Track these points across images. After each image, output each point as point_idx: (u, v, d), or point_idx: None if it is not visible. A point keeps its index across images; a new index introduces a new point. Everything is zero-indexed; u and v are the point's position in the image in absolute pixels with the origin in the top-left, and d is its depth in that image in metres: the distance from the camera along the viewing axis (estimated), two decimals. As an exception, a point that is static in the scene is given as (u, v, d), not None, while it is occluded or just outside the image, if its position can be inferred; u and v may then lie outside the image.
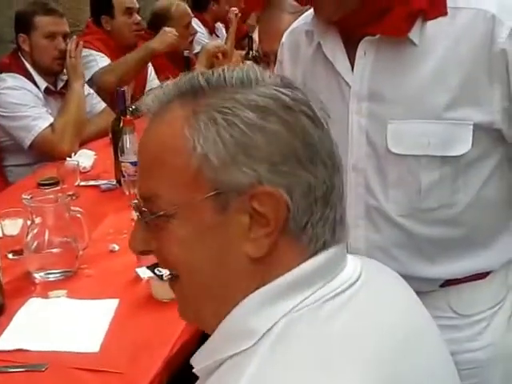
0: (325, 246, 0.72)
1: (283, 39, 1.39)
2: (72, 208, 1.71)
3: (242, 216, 0.69)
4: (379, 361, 0.68)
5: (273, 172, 0.68)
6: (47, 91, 2.81)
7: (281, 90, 0.71)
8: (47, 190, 2.16)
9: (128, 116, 2.22)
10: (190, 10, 3.85)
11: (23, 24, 2.76)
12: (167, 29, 3.24)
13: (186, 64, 3.08)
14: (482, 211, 1.22)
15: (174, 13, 3.68)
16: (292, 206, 0.69)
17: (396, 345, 0.72)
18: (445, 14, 1.15)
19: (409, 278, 1.23)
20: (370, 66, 1.19)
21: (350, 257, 0.78)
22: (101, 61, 3.21)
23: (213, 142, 0.68)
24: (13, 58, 2.82)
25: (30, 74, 2.76)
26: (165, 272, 1.50)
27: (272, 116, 0.69)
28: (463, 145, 1.15)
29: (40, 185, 2.28)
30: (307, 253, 0.72)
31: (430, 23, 1.16)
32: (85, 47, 3.05)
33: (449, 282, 1.26)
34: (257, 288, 0.71)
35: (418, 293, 1.27)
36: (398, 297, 0.83)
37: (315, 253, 0.72)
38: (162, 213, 0.71)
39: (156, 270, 1.51)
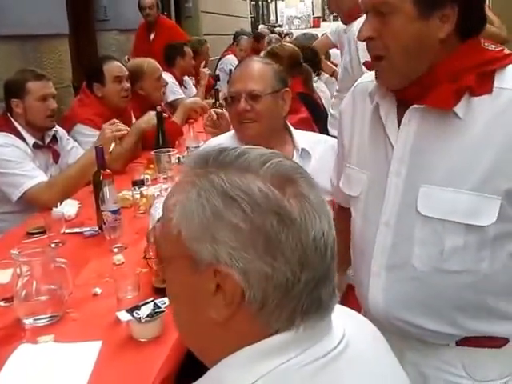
0: (291, 325, 0.72)
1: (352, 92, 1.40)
2: (57, 259, 1.71)
3: (209, 282, 0.72)
4: None
5: (231, 255, 0.70)
6: (35, 146, 2.81)
7: (259, 185, 0.70)
8: (35, 239, 2.18)
9: (107, 170, 2.23)
10: (159, 66, 3.92)
11: (15, 90, 2.80)
12: (151, 112, 3.25)
13: (159, 118, 3.12)
14: (507, 282, 1.20)
15: (147, 69, 3.75)
16: (247, 289, 0.70)
17: None
18: (490, 92, 1.15)
19: (424, 330, 1.24)
20: (413, 133, 1.20)
21: (334, 320, 0.77)
22: None
23: (187, 214, 0.72)
24: (2, 119, 2.85)
25: (19, 132, 2.78)
26: (142, 314, 1.52)
27: (238, 211, 0.70)
28: (488, 217, 1.15)
29: (29, 234, 2.29)
30: (268, 329, 0.72)
31: (475, 100, 1.15)
32: (88, 125, 3.15)
33: (465, 342, 1.24)
34: (236, 348, 0.72)
35: (434, 344, 1.26)
36: (378, 363, 0.82)
37: (277, 331, 0.72)
38: (161, 259, 0.78)
39: (134, 313, 1.52)
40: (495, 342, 1.24)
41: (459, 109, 1.16)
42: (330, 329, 0.75)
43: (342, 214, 1.47)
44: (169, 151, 2.89)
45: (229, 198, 0.70)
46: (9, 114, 2.82)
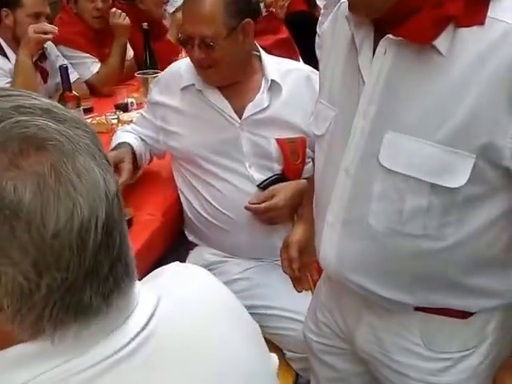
0: (40, 335, 0.54)
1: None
2: None
3: None
4: None
5: None
6: None
7: None
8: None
9: (73, 92, 2.06)
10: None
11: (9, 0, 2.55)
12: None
13: (145, 36, 2.88)
14: (472, 254, 1.01)
15: None
16: None
17: None
18: (481, 23, 0.90)
19: (378, 297, 1.08)
20: (387, 69, 0.98)
21: (141, 299, 0.60)
22: (92, 65, 2.91)
23: None
24: None
25: (1, 48, 2.58)
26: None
27: None
28: (458, 177, 0.94)
29: None
30: (18, 337, 0.54)
31: (462, 31, 0.91)
32: (69, 46, 2.84)
33: (425, 309, 1.07)
34: None
35: (389, 311, 1.10)
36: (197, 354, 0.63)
37: (30, 338, 0.54)
38: None
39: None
40: (458, 314, 1.07)
41: (441, 43, 0.92)
42: (113, 328, 0.57)
43: None
44: (156, 73, 2.67)
45: None
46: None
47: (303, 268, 1.38)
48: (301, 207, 1.52)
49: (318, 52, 3.02)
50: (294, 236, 1.40)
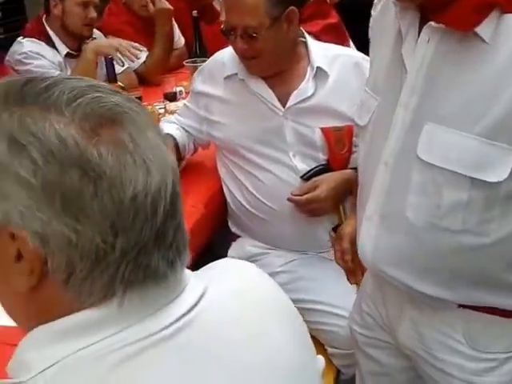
0: (109, 299, 0.57)
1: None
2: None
3: (9, 246, 0.55)
4: None
5: (23, 216, 0.54)
6: (69, 56, 2.64)
7: (59, 129, 0.53)
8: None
9: (118, 83, 2.06)
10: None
11: None
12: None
13: (195, 24, 2.85)
14: None
15: None
16: (48, 256, 0.54)
17: None
18: None
19: (417, 292, 1.04)
20: (430, 58, 0.95)
21: (190, 283, 0.62)
22: (140, 54, 2.79)
23: None
24: (36, 24, 2.67)
25: (51, 40, 2.62)
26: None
27: (27, 160, 0.53)
28: (498, 171, 0.90)
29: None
30: (80, 304, 0.57)
31: (508, 18, 0.87)
32: (119, 37, 2.77)
33: (469, 306, 1.03)
34: (38, 323, 0.58)
35: (432, 306, 1.06)
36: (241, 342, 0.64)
37: (91, 305, 0.57)
38: None
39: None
40: (504, 313, 1.02)
41: (484, 30, 0.87)
42: (165, 303, 0.60)
43: None
44: (204, 61, 2.65)
45: (17, 144, 0.53)
46: (44, 19, 2.65)
47: (356, 260, 1.33)
48: (354, 197, 1.48)
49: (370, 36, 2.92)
50: (347, 227, 1.40)
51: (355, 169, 1.66)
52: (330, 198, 1.64)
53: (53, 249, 0.54)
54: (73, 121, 0.54)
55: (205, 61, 2.63)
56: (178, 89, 2.62)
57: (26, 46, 2.53)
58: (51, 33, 2.61)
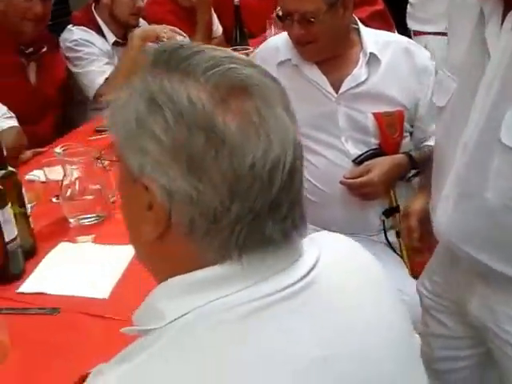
0: (227, 259, 0.60)
1: None
2: (104, 158, 1.64)
3: (142, 196, 0.61)
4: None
5: (155, 170, 0.59)
6: (116, 44, 2.71)
7: (192, 94, 0.57)
8: (102, 136, 2.14)
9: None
10: None
11: None
12: None
13: (236, 12, 2.89)
14: None
15: None
16: (172, 210, 0.59)
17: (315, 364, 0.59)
18: None
19: (491, 270, 1.07)
20: None
21: (310, 248, 0.65)
22: None
23: (117, 117, 0.62)
24: (85, 13, 2.72)
25: (100, 28, 2.67)
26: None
27: (161, 120, 0.57)
28: None
29: (97, 131, 2.25)
30: (202, 259, 0.61)
31: None
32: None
33: None
34: (165, 275, 0.63)
35: (504, 284, 1.08)
36: (353, 306, 0.67)
37: (212, 262, 0.61)
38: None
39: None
40: None
41: None
42: (285, 267, 0.62)
43: None
44: (246, 49, 2.69)
45: (154, 104, 0.59)
46: (93, 7, 2.71)
47: (422, 238, 1.36)
48: (423, 177, 1.50)
49: (409, 21, 2.93)
50: (415, 205, 1.41)
51: (406, 153, 1.70)
52: (383, 182, 1.67)
53: (176, 204, 0.59)
54: (205, 88, 0.57)
55: (246, 48, 2.70)
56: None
57: (76, 33, 2.59)
58: (100, 21, 2.67)
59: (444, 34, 2.62)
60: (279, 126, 0.59)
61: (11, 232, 1.32)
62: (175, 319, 0.60)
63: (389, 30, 2.16)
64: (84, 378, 0.86)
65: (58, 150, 1.62)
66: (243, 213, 0.58)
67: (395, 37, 1.86)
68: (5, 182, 1.33)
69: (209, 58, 0.60)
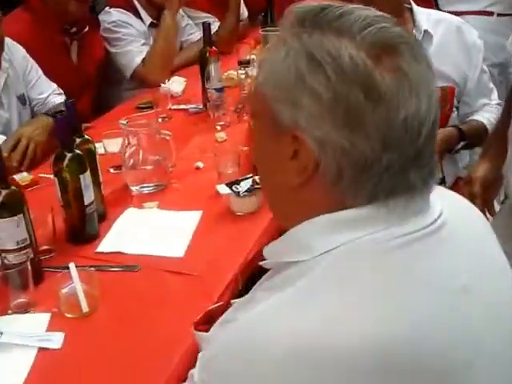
0: (372, 203, 0.65)
1: None
2: (162, 131, 1.71)
3: (287, 147, 0.67)
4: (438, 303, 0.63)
5: (309, 123, 0.64)
6: (151, 25, 2.76)
7: (351, 52, 0.61)
8: (143, 113, 2.21)
9: (213, 48, 2.17)
10: None
11: None
12: None
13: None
14: None
15: None
16: (322, 160, 0.64)
17: (455, 293, 0.65)
18: None
19: None
20: None
21: (433, 197, 0.70)
22: (213, 24, 2.88)
23: (273, 73, 0.67)
24: None
25: (137, 10, 2.73)
26: (241, 189, 1.51)
27: (322, 76, 0.62)
28: None
29: (137, 108, 2.32)
30: (345, 204, 0.66)
31: None
32: (193, 8, 2.94)
33: None
34: (300, 218, 0.69)
35: None
36: (478, 248, 0.73)
37: (356, 206, 0.66)
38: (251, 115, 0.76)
39: (234, 187, 1.51)
40: None
41: None
42: (421, 211, 0.67)
43: None
44: (277, 30, 2.75)
45: (315, 61, 0.63)
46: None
47: (485, 204, 1.41)
48: (487, 145, 1.54)
49: (440, 3, 2.97)
50: (478, 172, 1.44)
51: (455, 127, 1.78)
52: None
53: (327, 155, 0.63)
54: (362, 46, 0.61)
55: (277, 30, 2.76)
56: (252, 57, 2.73)
57: (114, 15, 2.64)
58: (136, 3, 2.72)
59: (480, 12, 2.69)
60: (426, 82, 0.64)
61: (89, 196, 1.40)
62: (325, 252, 0.65)
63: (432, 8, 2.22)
64: (208, 314, 0.94)
65: (122, 121, 1.69)
66: (393, 161, 0.63)
67: (445, 15, 1.93)
68: (82, 149, 1.40)
69: (363, 18, 0.64)
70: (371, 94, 0.61)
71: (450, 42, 1.76)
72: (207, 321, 0.88)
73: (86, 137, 1.46)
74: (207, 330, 0.81)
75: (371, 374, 0.57)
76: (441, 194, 0.73)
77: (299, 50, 0.64)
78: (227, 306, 0.89)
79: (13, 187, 1.22)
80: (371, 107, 0.61)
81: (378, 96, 0.61)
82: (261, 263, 0.76)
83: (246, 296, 0.77)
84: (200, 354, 0.70)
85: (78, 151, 1.36)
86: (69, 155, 1.34)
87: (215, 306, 0.99)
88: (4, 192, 1.20)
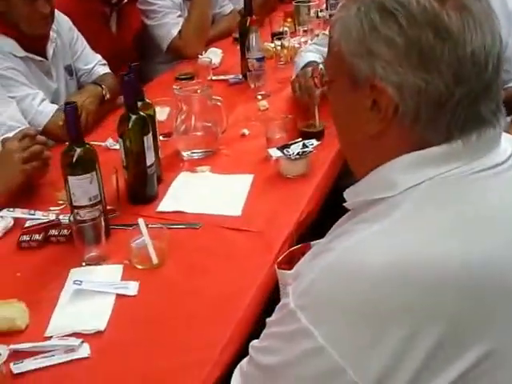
0: (449, 139, 0.70)
1: None
2: (214, 97, 1.77)
3: (365, 98, 0.73)
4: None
5: (386, 70, 0.70)
6: None
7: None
8: (183, 83, 2.25)
9: (254, 16, 2.21)
10: None
11: None
12: None
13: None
14: None
15: None
16: (400, 103, 0.70)
17: None
18: None
19: None
20: None
21: (504, 139, 0.75)
22: None
23: (347, 29, 0.73)
24: None
25: None
26: (292, 152, 1.58)
27: (394, 24, 0.69)
28: None
29: (177, 79, 2.37)
30: (424, 143, 0.71)
31: None
32: None
33: None
34: (377, 164, 0.75)
35: None
36: None
37: (434, 144, 0.71)
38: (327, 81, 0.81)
39: (285, 151, 1.58)
40: None
41: None
42: (496, 145, 0.73)
43: None
44: (309, 1, 2.81)
45: (386, 11, 0.69)
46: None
47: None
48: None
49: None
50: None
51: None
52: None
53: (405, 97, 0.69)
54: None
55: (309, 1, 2.80)
56: (285, 29, 2.77)
57: None
58: None
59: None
60: (488, 17, 0.70)
61: (151, 158, 1.47)
62: (409, 188, 0.71)
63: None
64: (290, 255, 1.02)
65: (176, 87, 1.75)
66: (464, 95, 0.68)
67: None
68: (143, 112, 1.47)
69: None
70: (440, 33, 0.67)
71: (494, 7, 1.80)
72: (289, 261, 0.95)
73: (147, 101, 1.53)
74: (290, 269, 0.88)
75: (461, 291, 0.64)
76: (507, 137, 0.78)
77: (369, 4, 0.70)
78: (307, 247, 0.96)
79: (87, 145, 1.30)
80: (441, 45, 0.67)
81: (446, 34, 0.67)
82: (345, 204, 0.82)
83: (327, 237, 0.83)
84: (290, 288, 0.76)
85: (142, 113, 1.43)
86: (133, 117, 1.41)
87: (296, 247, 1.06)
88: (79, 150, 1.28)
